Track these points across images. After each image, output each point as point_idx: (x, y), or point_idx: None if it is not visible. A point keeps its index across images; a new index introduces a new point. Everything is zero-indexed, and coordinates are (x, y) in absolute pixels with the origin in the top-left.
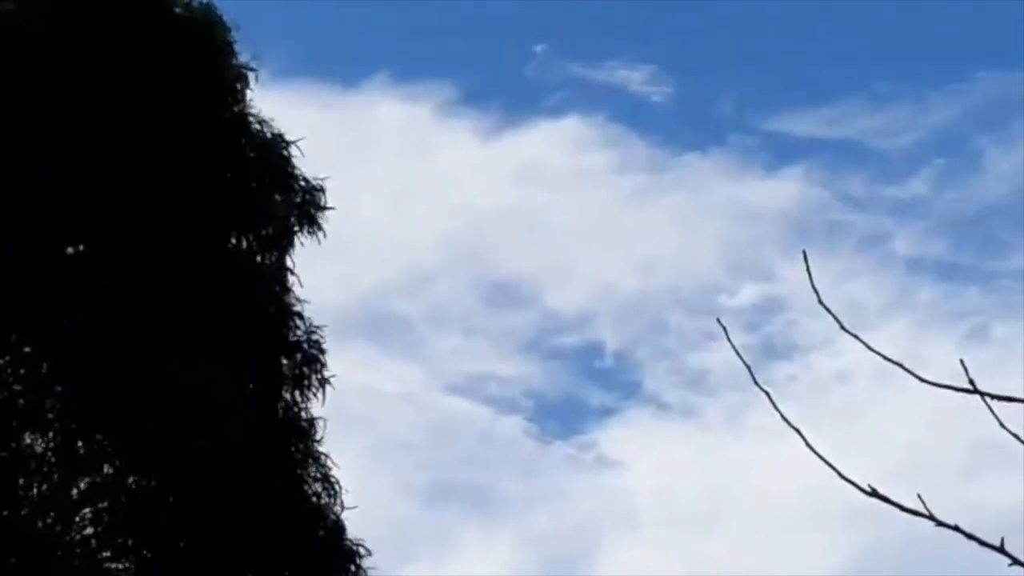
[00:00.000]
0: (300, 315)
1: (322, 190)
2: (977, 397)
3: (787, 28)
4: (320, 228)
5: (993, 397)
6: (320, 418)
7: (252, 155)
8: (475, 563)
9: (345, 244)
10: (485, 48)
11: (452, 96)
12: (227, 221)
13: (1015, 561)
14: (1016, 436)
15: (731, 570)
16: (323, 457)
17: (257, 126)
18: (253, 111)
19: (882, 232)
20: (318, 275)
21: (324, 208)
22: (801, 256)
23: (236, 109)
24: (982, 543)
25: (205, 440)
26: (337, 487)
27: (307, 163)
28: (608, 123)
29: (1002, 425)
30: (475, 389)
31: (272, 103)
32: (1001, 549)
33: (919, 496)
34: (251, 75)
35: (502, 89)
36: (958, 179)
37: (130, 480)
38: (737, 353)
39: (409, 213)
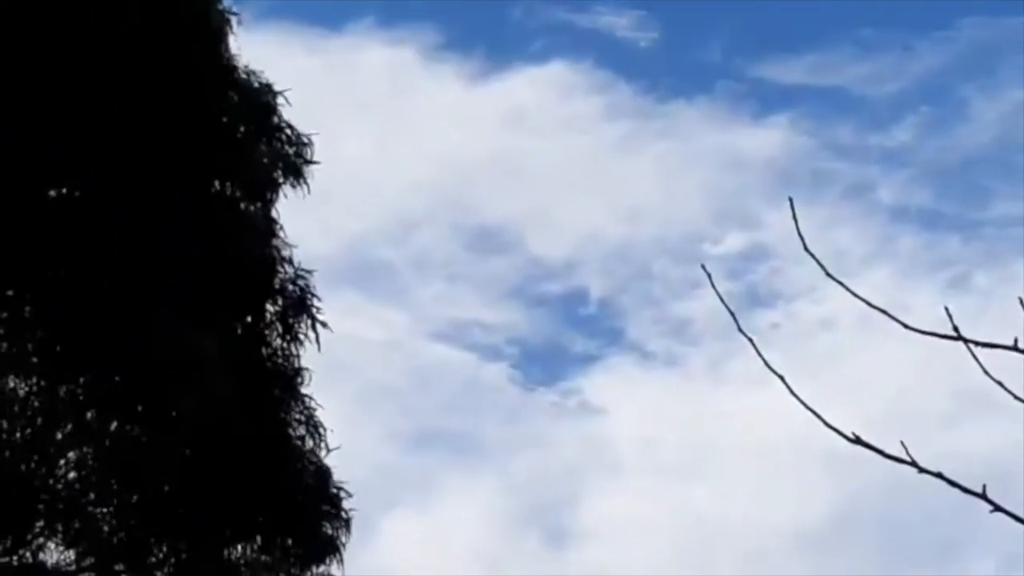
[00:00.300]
0: (290, 260)
1: (309, 143)
2: (960, 344)
3: None
4: (305, 182)
5: (977, 344)
6: (306, 369)
7: (237, 103)
8: (458, 508)
9: (329, 190)
10: None
11: (437, 40)
12: (213, 170)
13: (997, 508)
14: (999, 383)
15: (714, 517)
16: (307, 399)
17: (244, 76)
18: (239, 61)
19: (867, 180)
20: (302, 222)
21: (310, 162)
22: (787, 204)
23: (223, 59)
24: (964, 490)
25: (188, 390)
26: (321, 430)
27: (294, 113)
28: (594, 69)
29: (985, 372)
30: (459, 336)
31: (255, 46)
32: (983, 496)
33: (902, 443)
34: (234, 19)
35: (487, 34)
36: (943, 127)
37: (113, 425)
38: (722, 300)
39: (393, 158)
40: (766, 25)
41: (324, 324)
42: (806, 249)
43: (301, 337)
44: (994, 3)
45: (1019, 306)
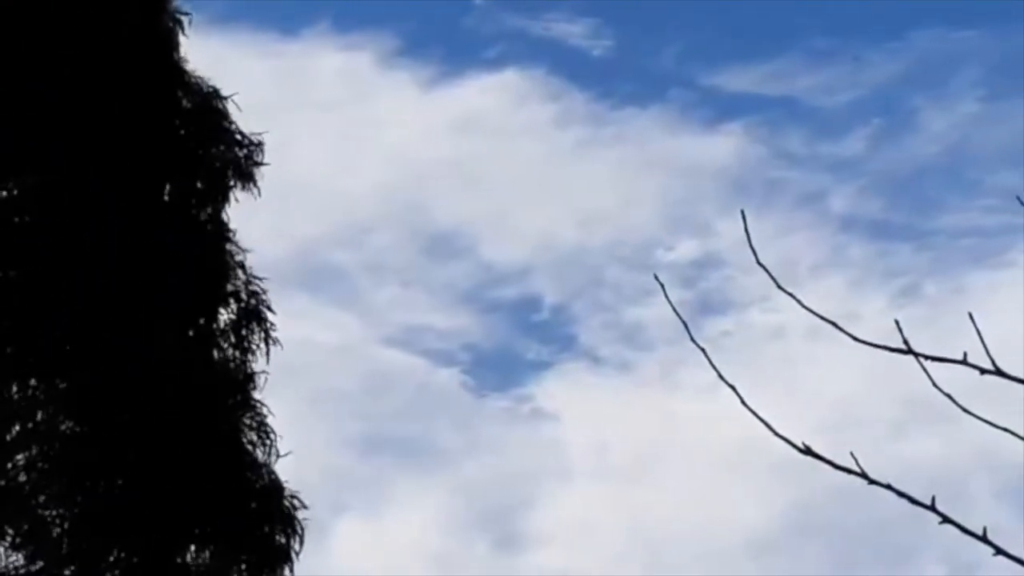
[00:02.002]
0: (242, 266)
1: (260, 145)
2: (909, 353)
3: None
4: (255, 184)
5: (927, 358)
6: (262, 372)
7: (188, 107)
8: (410, 513)
9: (283, 194)
10: None
11: (392, 46)
12: (164, 174)
13: (946, 519)
14: (949, 396)
15: (665, 522)
16: (259, 406)
17: (194, 79)
18: (188, 64)
19: (819, 189)
20: (255, 225)
21: (260, 164)
22: (739, 212)
23: (173, 62)
24: (914, 502)
25: (142, 394)
26: (272, 436)
27: (244, 116)
28: (548, 76)
29: (935, 385)
30: (412, 341)
31: (210, 50)
32: (932, 508)
33: (852, 454)
34: (185, 20)
35: (442, 40)
36: (895, 138)
37: (64, 427)
38: (675, 310)
39: (348, 163)
40: (719, 34)
41: (276, 340)
42: (758, 262)
43: (253, 347)
44: (945, 15)
45: (968, 315)
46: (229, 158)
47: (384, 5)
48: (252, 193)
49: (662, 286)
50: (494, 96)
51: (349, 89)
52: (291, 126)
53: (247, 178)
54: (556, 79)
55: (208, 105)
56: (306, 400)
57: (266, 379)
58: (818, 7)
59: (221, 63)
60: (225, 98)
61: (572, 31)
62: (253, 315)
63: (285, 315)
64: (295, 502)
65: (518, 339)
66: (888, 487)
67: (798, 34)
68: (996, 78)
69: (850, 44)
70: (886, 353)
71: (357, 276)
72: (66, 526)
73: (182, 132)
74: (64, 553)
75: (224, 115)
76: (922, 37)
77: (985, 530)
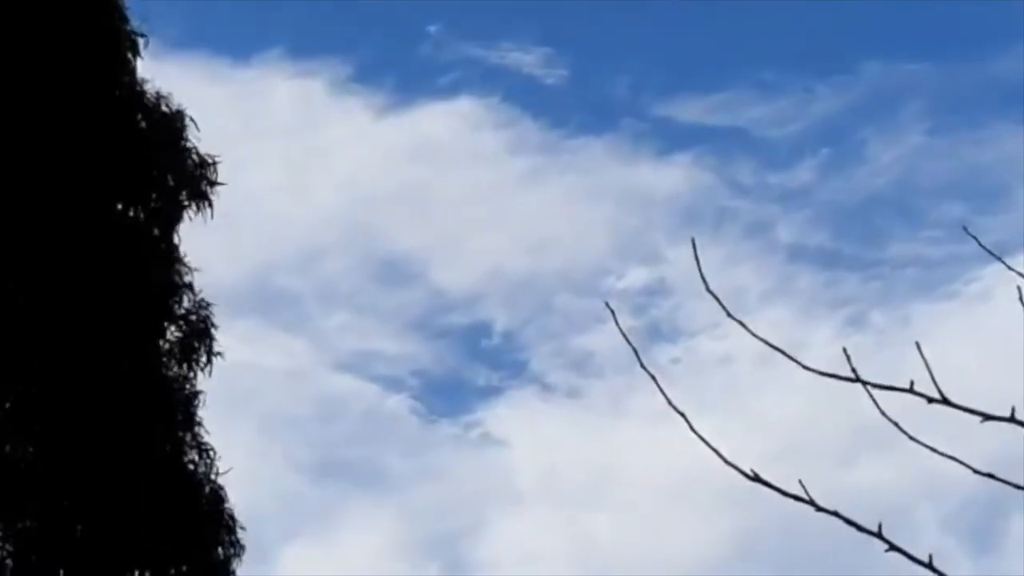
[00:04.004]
0: (190, 287)
1: (214, 164)
2: (857, 382)
3: (680, 16)
4: (210, 204)
5: (874, 386)
6: (201, 391)
7: (144, 126)
8: (359, 538)
9: (235, 219)
10: (380, 26)
11: (346, 73)
12: (115, 191)
13: (892, 547)
14: (896, 424)
15: (613, 547)
16: (197, 426)
17: (153, 99)
18: (147, 83)
19: (767, 219)
20: (207, 249)
21: (215, 183)
22: (688, 241)
23: (129, 82)
24: (861, 529)
25: (86, 414)
26: (212, 455)
27: (200, 137)
28: (501, 104)
29: (883, 413)
30: (362, 367)
31: (164, 75)
32: (879, 535)
33: (800, 482)
34: (141, 41)
35: (396, 68)
36: (842, 169)
37: (7, 447)
38: (625, 338)
39: (300, 189)
40: (671, 65)
41: (219, 354)
42: (708, 290)
43: (199, 365)
44: (893, 49)
45: (914, 343)
46: (185, 177)
47: (337, 32)
48: (205, 214)
49: (613, 313)
50: (447, 123)
51: (302, 115)
52: (244, 151)
53: (202, 197)
54: (509, 107)
55: (166, 125)
56: (257, 425)
57: (204, 399)
58: (768, 39)
59: (174, 88)
60: (184, 114)
61: (526, 60)
62: (201, 335)
63: (237, 340)
64: (238, 527)
65: (468, 365)
66: (835, 514)
67: (748, 66)
68: (942, 111)
69: (799, 76)
70: (834, 381)
71: (308, 301)
72: (9, 547)
73: (137, 150)
74: (6, 574)
75: (181, 134)
76: (870, 70)
77: (931, 557)
